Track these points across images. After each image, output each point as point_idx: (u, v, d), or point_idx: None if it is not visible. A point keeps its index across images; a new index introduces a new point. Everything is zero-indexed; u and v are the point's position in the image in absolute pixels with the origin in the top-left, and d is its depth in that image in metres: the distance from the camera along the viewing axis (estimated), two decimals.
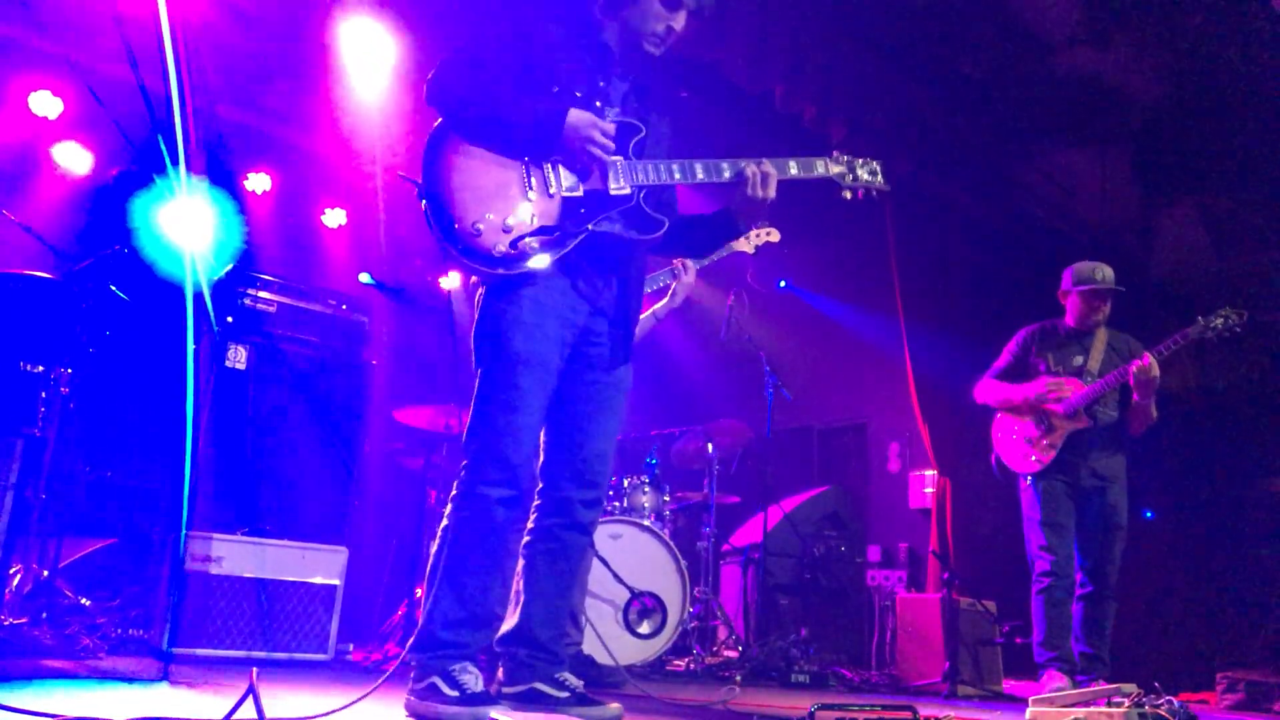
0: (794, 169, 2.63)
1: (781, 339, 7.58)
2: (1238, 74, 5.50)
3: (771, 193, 2.55)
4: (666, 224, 2.56)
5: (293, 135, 6.25)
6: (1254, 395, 6.08)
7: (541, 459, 2.62)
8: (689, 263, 4.03)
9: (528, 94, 2.49)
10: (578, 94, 2.54)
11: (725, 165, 2.56)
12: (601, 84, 2.61)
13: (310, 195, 6.71)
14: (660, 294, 4.08)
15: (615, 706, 2.44)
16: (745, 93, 5.66)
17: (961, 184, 6.56)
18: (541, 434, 2.62)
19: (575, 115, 2.44)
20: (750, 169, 2.54)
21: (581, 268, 2.55)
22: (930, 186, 6.55)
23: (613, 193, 2.51)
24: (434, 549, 2.46)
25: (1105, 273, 4.45)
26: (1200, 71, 5.59)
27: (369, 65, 5.42)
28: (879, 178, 2.77)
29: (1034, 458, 4.40)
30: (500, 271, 2.41)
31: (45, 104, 5.45)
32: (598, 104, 2.57)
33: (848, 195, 2.74)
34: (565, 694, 2.47)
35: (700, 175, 2.55)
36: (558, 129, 2.43)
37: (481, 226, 2.38)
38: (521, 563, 2.60)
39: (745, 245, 4.21)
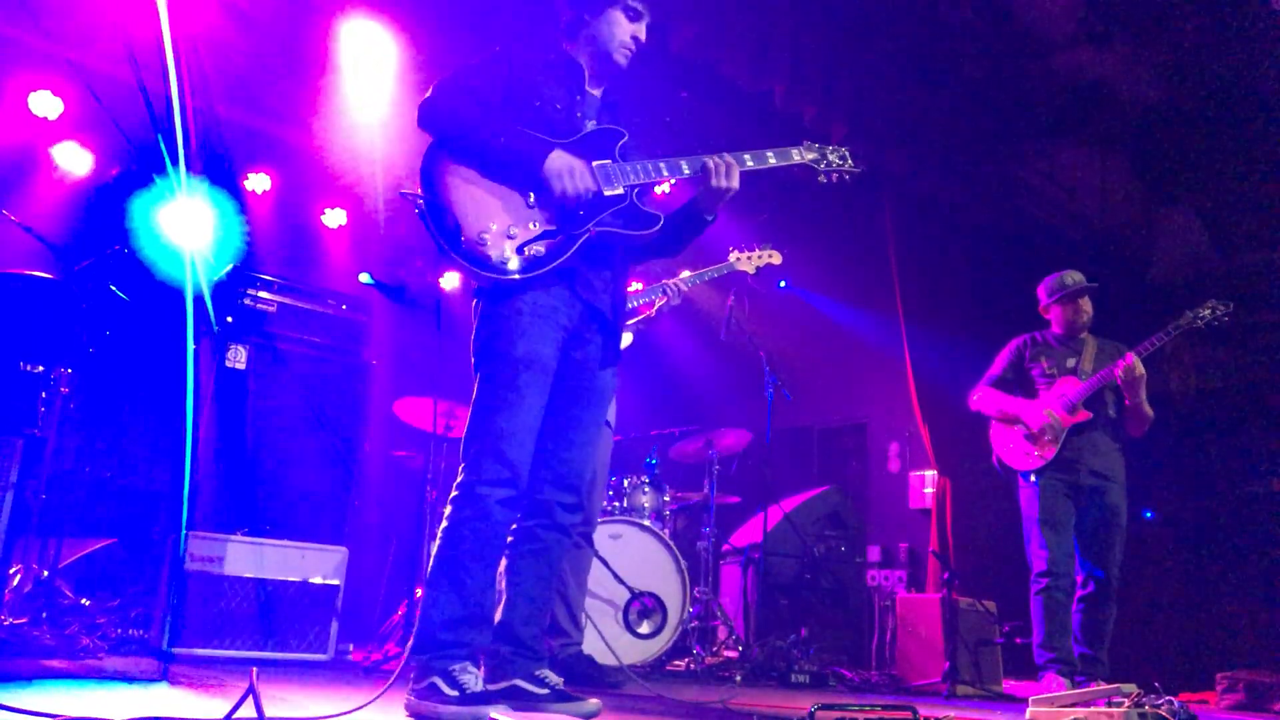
0: (772, 159, 2.77)
1: (781, 339, 7.58)
2: (1237, 74, 5.50)
3: (734, 183, 2.66)
4: (662, 219, 2.66)
5: (293, 135, 6.24)
6: (1254, 395, 6.08)
7: None
8: (680, 284, 4.07)
9: (510, 112, 2.64)
10: (558, 106, 2.69)
11: (696, 159, 2.68)
12: (578, 97, 2.76)
13: (310, 195, 6.71)
14: (647, 307, 4.10)
15: (594, 702, 2.48)
16: (745, 93, 5.66)
17: (961, 184, 6.56)
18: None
19: (554, 159, 2.55)
20: (712, 161, 2.65)
21: (580, 270, 2.62)
22: (930, 186, 6.55)
23: (607, 194, 2.61)
24: (434, 549, 2.48)
25: (1074, 276, 4.56)
26: (1200, 71, 5.59)
27: (369, 65, 5.42)
28: (849, 162, 2.89)
29: (1036, 454, 4.41)
30: (508, 278, 2.49)
31: (45, 104, 5.45)
32: (578, 115, 2.73)
33: (822, 180, 2.88)
34: (545, 690, 2.52)
35: (686, 170, 2.67)
36: (536, 168, 2.54)
37: (487, 236, 2.49)
38: (504, 562, 2.65)
39: (747, 265, 4.28)
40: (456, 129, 2.58)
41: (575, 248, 2.56)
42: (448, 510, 2.49)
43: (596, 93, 2.83)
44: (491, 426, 2.48)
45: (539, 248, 2.52)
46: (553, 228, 2.55)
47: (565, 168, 2.54)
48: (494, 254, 2.47)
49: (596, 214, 2.60)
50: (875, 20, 5.46)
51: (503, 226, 2.51)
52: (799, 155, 2.82)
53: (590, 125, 2.74)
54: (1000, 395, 4.61)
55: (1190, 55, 5.48)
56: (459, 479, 2.51)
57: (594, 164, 2.62)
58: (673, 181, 2.70)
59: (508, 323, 2.53)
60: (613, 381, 2.78)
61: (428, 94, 2.63)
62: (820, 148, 2.87)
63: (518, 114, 2.64)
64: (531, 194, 2.56)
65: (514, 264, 2.49)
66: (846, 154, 2.89)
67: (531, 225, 2.54)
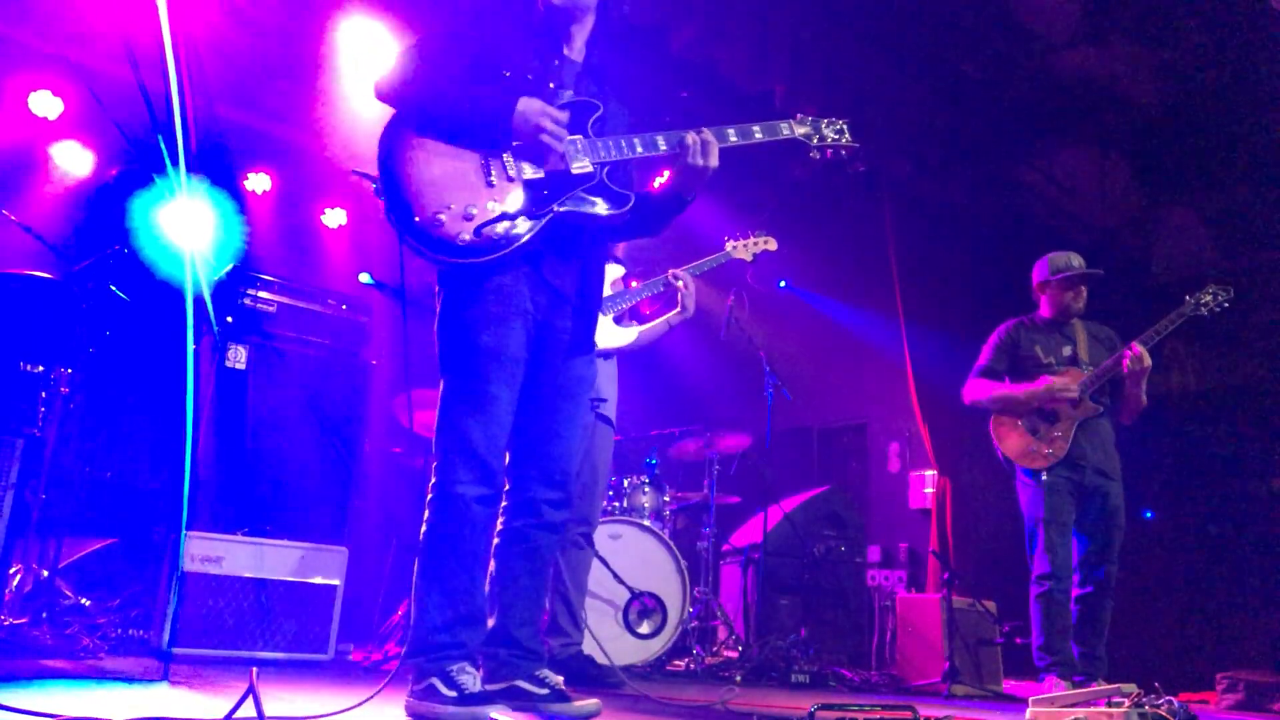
0: (758, 133, 2.62)
1: (781, 339, 7.58)
2: (1238, 74, 5.50)
3: (713, 161, 2.53)
4: (633, 198, 2.54)
5: (293, 135, 6.25)
6: (1254, 395, 6.08)
7: (507, 459, 2.59)
8: (685, 274, 4.04)
9: (477, 83, 2.48)
10: (529, 76, 2.53)
11: (674, 135, 2.56)
12: (556, 63, 2.60)
13: (310, 195, 6.71)
14: (666, 300, 4.08)
15: (594, 702, 2.45)
16: (745, 93, 5.66)
17: (961, 184, 6.56)
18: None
19: (525, 104, 2.41)
20: (690, 137, 2.53)
21: (546, 254, 2.51)
22: (930, 186, 6.56)
23: (575, 172, 2.48)
24: (418, 554, 2.45)
25: (1079, 259, 4.48)
26: (1200, 71, 5.59)
27: (369, 64, 5.43)
28: (846, 136, 2.75)
29: (1047, 451, 4.30)
30: (465, 261, 2.37)
31: (45, 104, 5.46)
32: (550, 85, 2.56)
33: (815, 155, 2.74)
34: (545, 691, 2.48)
35: (662, 146, 2.55)
36: (507, 119, 2.41)
37: (443, 217, 2.35)
38: (493, 565, 2.59)
39: (743, 253, 4.23)
40: (415, 97, 2.44)
41: (537, 228, 2.42)
42: (426, 514, 2.44)
43: (576, 57, 2.65)
44: (461, 424, 2.40)
45: (498, 228, 2.38)
46: (514, 209, 2.41)
47: (539, 114, 2.39)
48: (450, 235, 2.34)
49: (562, 193, 2.46)
50: (875, 20, 5.47)
51: (461, 206, 2.37)
52: (789, 129, 2.67)
53: (566, 96, 2.56)
54: (993, 384, 4.48)
55: (1190, 55, 5.48)
56: (432, 480, 2.45)
57: None
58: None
59: (470, 310, 2.43)
60: (591, 372, 2.67)
61: (386, 65, 2.51)
62: (815, 121, 2.72)
63: (487, 85, 2.50)
64: (493, 172, 2.43)
65: (472, 246, 2.35)
66: (845, 127, 2.74)
67: (491, 205, 2.39)
